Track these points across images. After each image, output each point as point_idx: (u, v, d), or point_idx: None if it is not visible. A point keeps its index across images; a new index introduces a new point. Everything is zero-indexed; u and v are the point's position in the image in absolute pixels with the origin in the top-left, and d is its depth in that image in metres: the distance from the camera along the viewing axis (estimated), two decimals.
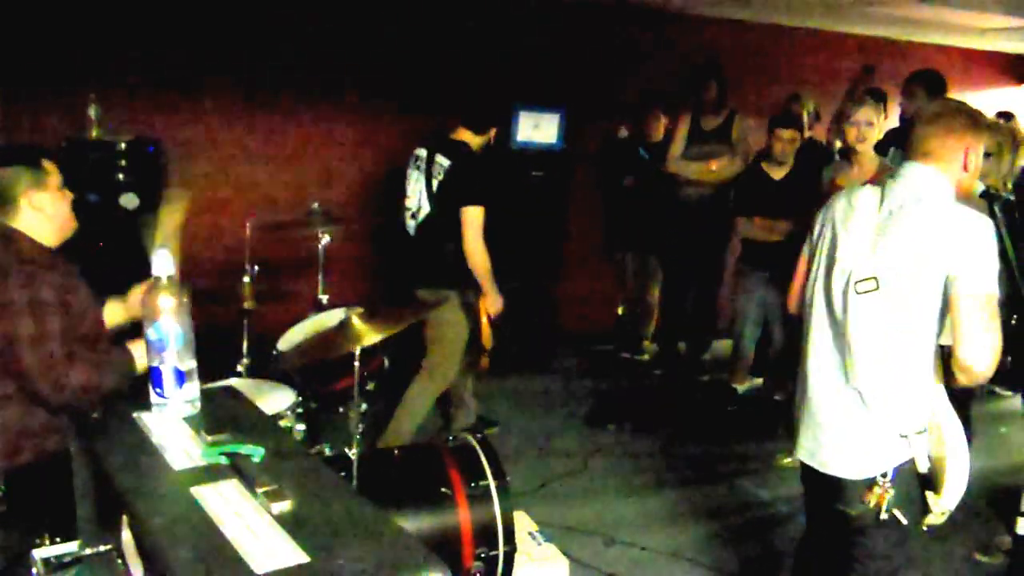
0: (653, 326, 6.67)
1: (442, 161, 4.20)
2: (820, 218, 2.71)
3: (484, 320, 4.23)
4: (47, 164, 2.74)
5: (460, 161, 4.17)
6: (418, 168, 4.30)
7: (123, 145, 4.76)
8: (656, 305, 6.58)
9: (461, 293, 4.26)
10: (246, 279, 3.84)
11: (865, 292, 2.44)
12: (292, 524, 1.32)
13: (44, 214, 2.70)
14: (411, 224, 4.33)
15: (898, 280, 2.39)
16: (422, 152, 4.32)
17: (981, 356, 2.31)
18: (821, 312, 2.61)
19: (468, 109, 4.35)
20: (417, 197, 4.28)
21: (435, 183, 4.20)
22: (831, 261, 2.57)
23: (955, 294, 2.32)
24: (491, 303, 4.24)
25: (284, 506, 1.36)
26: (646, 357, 6.68)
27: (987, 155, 3.81)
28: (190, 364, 1.75)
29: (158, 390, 1.73)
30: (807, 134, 5.57)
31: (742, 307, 5.47)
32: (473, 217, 4.09)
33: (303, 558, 1.23)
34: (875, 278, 2.42)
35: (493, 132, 4.39)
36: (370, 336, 2.90)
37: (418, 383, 4.45)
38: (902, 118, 5.58)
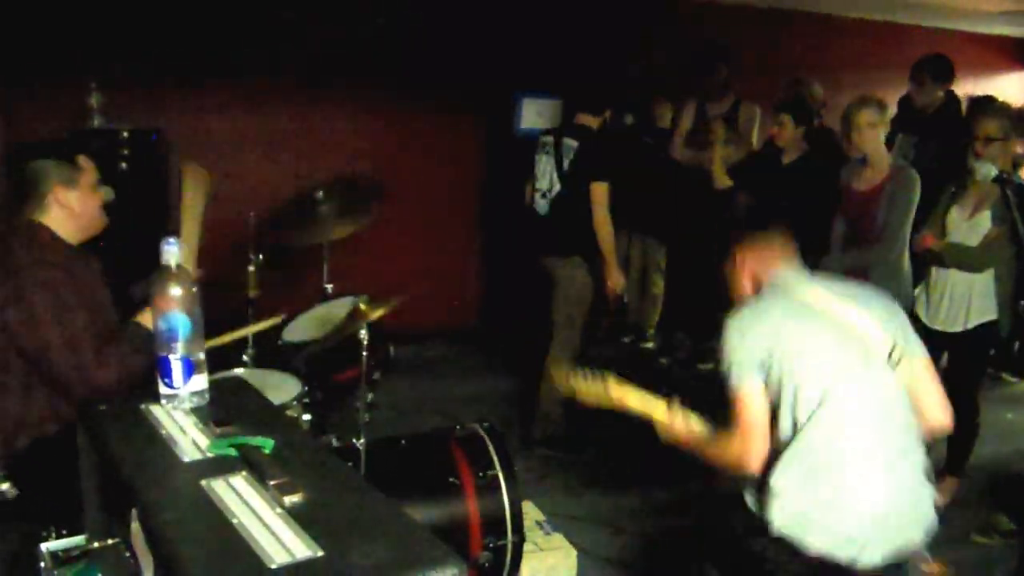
0: (657, 316, 6.64)
1: (570, 143, 4.60)
2: None
3: (609, 284, 4.70)
4: (82, 161, 2.75)
5: (587, 142, 4.58)
6: (547, 152, 4.70)
7: (125, 134, 4.74)
8: (660, 296, 6.55)
9: (588, 260, 4.66)
10: (251, 268, 3.82)
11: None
12: (304, 517, 1.30)
13: (71, 211, 2.71)
14: (542, 203, 4.73)
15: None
16: (548, 138, 4.74)
17: None
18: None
19: (583, 95, 4.78)
20: (548, 178, 4.68)
21: (566, 163, 4.59)
22: None
23: None
24: (612, 272, 4.66)
25: (296, 499, 1.34)
26: (650, 345, 6.66)
27: (992, 140, 3.82)
28: (199, 355, 1.73)
29: (166, 381, 1.71)
30: (815, 121, 5.51)
31: None
32: (600, 192, 4.50)
33: (316, 552, 1.21)
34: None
35: (608, 113, 4.80)
36: (374, 312, 2.88)
37: (552, 353, 4.77)
38: (903, 104, 5.55)
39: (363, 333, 2.93)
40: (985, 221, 3.86)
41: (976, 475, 4.38)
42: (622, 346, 6.65)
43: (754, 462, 2.36)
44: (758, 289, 2.56)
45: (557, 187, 4.64)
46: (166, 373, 1.70)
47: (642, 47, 6.69)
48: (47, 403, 2.63)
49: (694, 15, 6.92)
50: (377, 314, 2.91)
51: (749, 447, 2.35)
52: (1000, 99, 5.75)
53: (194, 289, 1.70)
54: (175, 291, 1.68)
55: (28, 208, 2.69)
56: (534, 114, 6.29)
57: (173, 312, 1.68)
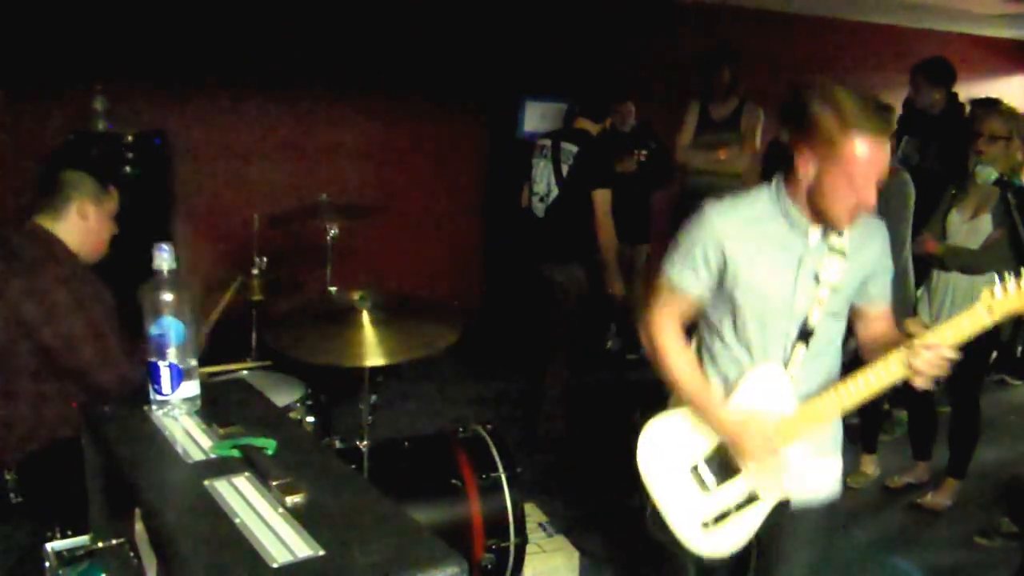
0: None
1: (569, 148, 4.59)
2: None
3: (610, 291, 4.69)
4: (112, 190, 2.85)
5: (586, 148, 4.56)
6: (544, 156, 4.69)
7: (130, 138, 4.76)
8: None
9: (586, 265, 4.65)
10: (254, 270, 3.83)
11: None
12: (306, 517, 1.31)
13: (87, 225, 2.76)
14: (539, 207, 4.72)
15: None
16: (546, 142, 4.73)
17: None
18: None
19: (586, 100, 4.73)
20: (546, 182, 4.67)
21: (564, 168, 4.57)
22: None
23: None
24: (612, 279, 4.65)
25: (298, 499, 1.35)
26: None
27: (996, 138, 3.82)
28: (190, 362, 1.72)
29: (156, 387, 1.71)
30: None
31: None
32: (603, 199, 4.51)
33: (318, 551, 1.22)
34: None
35: (609, 121, 4.83)
36: (379, 358, 2.71)
37: (552, 359, 4.81)
38: (908, 106, 5.55)
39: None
40: (986, 224, 3.87)
41: (978, 478, 4.39)
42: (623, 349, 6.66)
43: None
44: None
45: (555, 192, 4.62)
46: (155, 379, 1.70)
47: (645, 49, 6.70)
48: (60, 407, 2.65)
49: (698, 18, 6.93)
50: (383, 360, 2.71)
51: None
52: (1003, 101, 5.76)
53: (187, 296, 1.70)
54: (167, 296, 1.68)
55: (43, 212, 2.73)
56: (537, 117, 6.30)
57: (165, 318, 1.68)
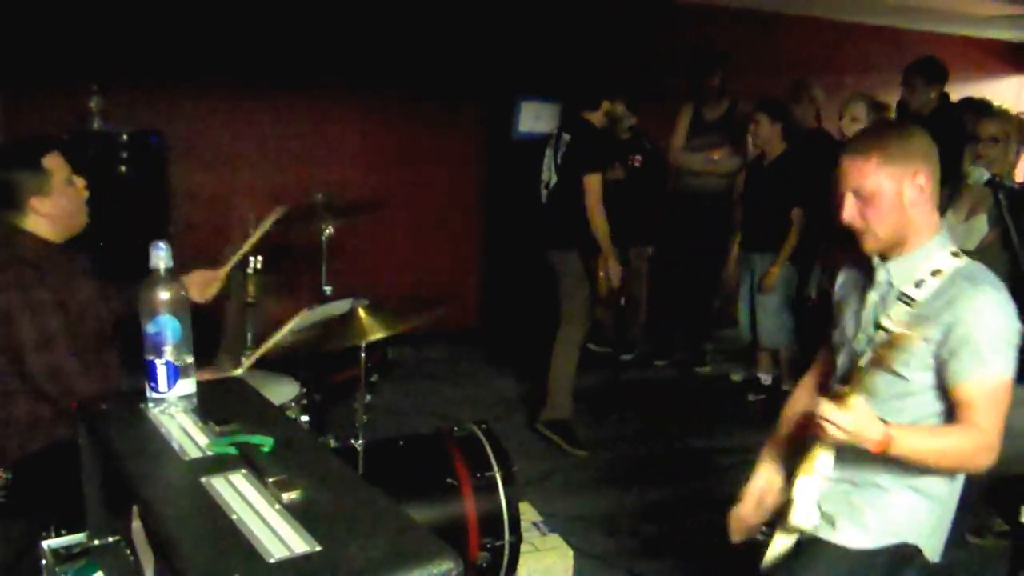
0: (642, 318, 6.59)
1: (566, 137, 4.77)
2: None
3: (600, 275, 4.78)
4: (49, 162, 2.67)
5: (580, 134, 4.72)
6: (551, 146, 4.89)
7: (126, 137, 4.76)
8: (643, 302, 6.51)
9: (585, 251, 4.74)
10: (249, 270, 3.82)
11: None
12: (302, 513, 1.32)
13: (48, 216, 2.69)
14: (543, 194, 4.90)
15: None
16: (555, 132, 4.94)
17: None
18: None
19: (580, 92, 4.91)
20: (549, 171, 4.85)
21: (559, 156, 4.75)
22: None
23: None
24: (609, 263, 4.74)
25: (294, 495, 1.36)
26: (631, 356, 6.60)
27: (995, 140, 3.85)
28: (186, 360, 1.73)
29: (152, 385, 1.72)
30: (814, 124, 5.54)
31: (739, 291, 5.52)
32: (592, 184, 4.59)
33: (314, 547, 1.23)
34: None
35: (606, 105, 4.81)
36: (376, 332, 2.85)
37: (559, 341, 4.90)
38: (901, 108, 5.57)
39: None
40: (982, 224, 3.88)
41: (971, 477, 4.39)
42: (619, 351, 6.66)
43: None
44: None
45: (554, 179, 4.77)
46: (152, 377, 1.71)
47: (640, 51, 6.70)
48: (56, 407, 2.64)
49: (693, 19, 6.94)
50: (380, 334, 2.83)
51: (1000, 440, 2.08)
52: (995, 103, 5.79)
53: (183, 293, 1.71)
54: (164, 295, 1.69)
55: (6, 213, 2.67)
56: (532, 117, 6.32)
57: (162, 316, 1.69)
